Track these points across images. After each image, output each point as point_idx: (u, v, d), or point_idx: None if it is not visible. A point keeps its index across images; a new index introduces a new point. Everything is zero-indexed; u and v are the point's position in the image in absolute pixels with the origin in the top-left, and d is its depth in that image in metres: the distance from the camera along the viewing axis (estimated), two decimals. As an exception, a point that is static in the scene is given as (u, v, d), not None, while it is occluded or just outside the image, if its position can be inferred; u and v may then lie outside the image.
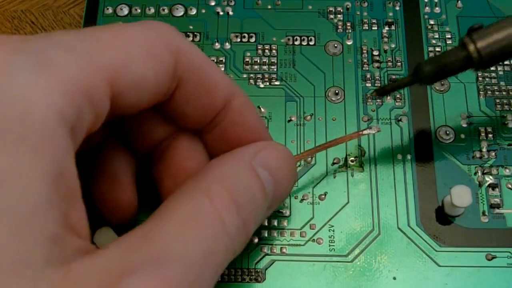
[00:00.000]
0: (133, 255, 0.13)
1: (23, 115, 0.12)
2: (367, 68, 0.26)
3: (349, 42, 0.27)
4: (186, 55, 0.16)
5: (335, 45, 0.27)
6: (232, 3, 0.28)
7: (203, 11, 0.28)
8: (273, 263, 0.22)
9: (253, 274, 0.22)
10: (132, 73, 0.15)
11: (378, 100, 0.25)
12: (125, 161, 0.20)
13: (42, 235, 0.12)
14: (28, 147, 0.12)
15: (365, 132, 0.22)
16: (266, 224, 0.23)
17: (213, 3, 0.28)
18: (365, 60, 0.26)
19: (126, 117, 0.18)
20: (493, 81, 0.26)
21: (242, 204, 0.15)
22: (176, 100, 0.17)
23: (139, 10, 0.28)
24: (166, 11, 0.28)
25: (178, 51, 0.16)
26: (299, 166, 0.24)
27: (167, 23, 0.17)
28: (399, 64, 0.26)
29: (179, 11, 0.28)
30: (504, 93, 0.26)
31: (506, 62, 0.26)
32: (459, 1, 0.28)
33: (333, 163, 0.24)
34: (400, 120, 0.25)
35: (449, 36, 0.27)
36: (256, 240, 0.23)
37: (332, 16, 0.28)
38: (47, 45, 0.13)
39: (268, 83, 0.26)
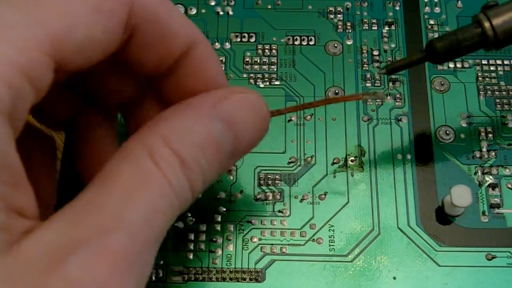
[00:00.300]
0: (79, 226, 0.13)
1: None
2: (367, 68, 0.26)
3: (349, 42, 0.27)
4: (141, 3, 0.15)
5: (335, 45, 0.27)
6: (232, 3, 0.28)
7: (203, 11, 0.28)
8: (273, 263, 0.22)
9: (253, 274, 0.22)
10: (77, 37, 0.14)
11: (378, 100, 0.25)
12: (105, 127, 0.19)
13: None
14: None
15: (365, 97, 0.21)
16: (266, 224, 0.23)
17: (213, 3, 0.28)
18: (365, 60, 0.26)
19: (87, 81, 0.17)
20: (493, 81, 0.26)
21: (189, 164, 0.15)
22: (129, 48, 0.16)
23: (139, 10, 0.28)
24: (166, 11, 0.28)
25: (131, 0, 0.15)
26: (299, 165, 0.24)
27: None
28: (399, 64, 0.26)
29: (179, 11, 0.28)
30: (504, 93, 0.26)
31: (506, 62, 0.26)
32: (459, 1, 0.28)
33: (333, 163, 0.24)
34: (400, 120, 0.25)
35: (449, 36, 0.27)
36: (256, 240, 0.23)
37: (332, 16, 0.28)
38: None
39: (268, 83, 0.26)
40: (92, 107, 0.19)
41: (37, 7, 0.13)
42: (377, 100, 0.25)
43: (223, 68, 0.26)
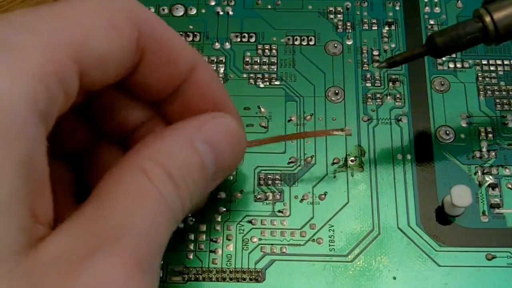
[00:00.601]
0: (90, 233, 0.13)
1: None
2: (367, 68, 0.26)
3: (349, 42, 0.27)
4: (148, 25, 0.16)
5: (335, 45, 0.27)
6: (232, 3, 0.28)
7: (203, 11, 0.28)
8: (273, 263, 0.22)
9: (253, 274, 0.22)
10: (95, 47, 0.14)
11: (378, 100, 0.25)
12: (115, 157, 0.19)
13: (13, 227, 0.12)
14: (0, 139, 0.12)
15: (335, 132, 0.22)
16: (266, 224, 0.23)
17: (213, 3, 0.28)
18: (365, 60, 0.26)
19: (99, 107, 0.18)
20: (493, 81, 0.26)
21: (178, 181, 0.15)
22: (139, 72, 0.17)
23: (139, 10, 0.28)
24: (166, 11, 0.28)
25: (140, 22, 0.16)
26: (299, 166, 0.24)
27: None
28: (399, 64, 0.26)
29: (179, 11, 0.28)
30: (504, 93, 0.26)
31: (506, 62, 0.26)
32: (459, 1, 0.28)
33: (333, 163, 0.24)
34: (400, 120, 0.25)
35: (449, 36, 0.27)
36: (256, 240, 0.23)
37: (332, 16, 0.28)
38: (10, 29, 0.13)
39: (268, 83, 0.26)
40: (101, 139, 0.19)
41: (57, 18, 0.14)
42: (377, 101, 0.25)
43: (223, 69, 0.26)
